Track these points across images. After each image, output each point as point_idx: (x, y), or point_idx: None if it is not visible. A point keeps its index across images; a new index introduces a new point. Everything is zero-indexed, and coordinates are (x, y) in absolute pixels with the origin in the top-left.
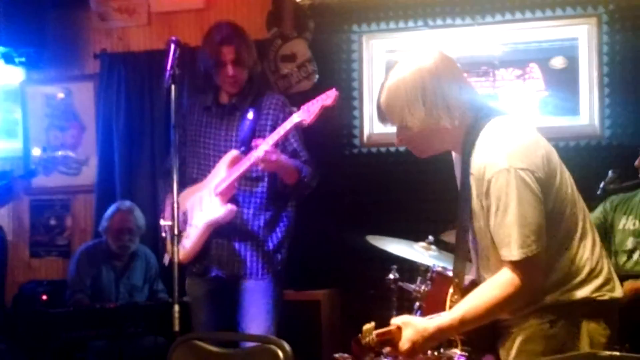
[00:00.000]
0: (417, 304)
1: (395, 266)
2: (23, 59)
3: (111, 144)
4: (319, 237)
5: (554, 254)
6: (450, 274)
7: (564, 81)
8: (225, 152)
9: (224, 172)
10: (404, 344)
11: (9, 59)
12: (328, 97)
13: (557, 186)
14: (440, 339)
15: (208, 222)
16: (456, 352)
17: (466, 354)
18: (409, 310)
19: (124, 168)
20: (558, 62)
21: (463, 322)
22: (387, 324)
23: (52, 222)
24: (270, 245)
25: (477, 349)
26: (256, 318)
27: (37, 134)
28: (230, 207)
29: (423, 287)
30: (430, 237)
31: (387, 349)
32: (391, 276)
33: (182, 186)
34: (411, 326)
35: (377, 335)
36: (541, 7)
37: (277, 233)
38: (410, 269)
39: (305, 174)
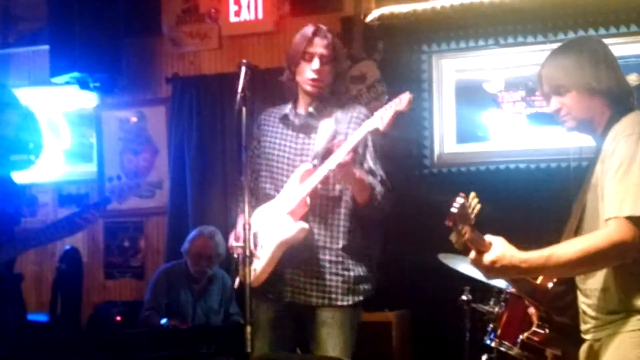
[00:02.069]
0: (491, 325)
1: (467, 287)
2: (97, 84)
3: (183, 167)
4: (390, 258)
5: None
6: None
7: (639, 98)
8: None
9: (295, 188)
10: (488, 257)
11: (84, 85)
12: (401, 102)
13: None
14: (525, 272)
15: (279, 242)
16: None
17: (543, 330)
18: (482, 333)
19: (196, 190)
20: (632, 79)
21: (550, 260)
22: (460, 347)
23: (126, 244)
24: (353, 272)
25: (555, 329)
26: (332, 351)
27: (111, 157)
28: (302, 225)
29: (497, 308)
30: None
31: (472, 254)
32: (464, 297)
33: (256, 203)
34: (503, 247)
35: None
36: (615, 24)
37: (361, 258)
38: (483, 290)
39: (377, 192)
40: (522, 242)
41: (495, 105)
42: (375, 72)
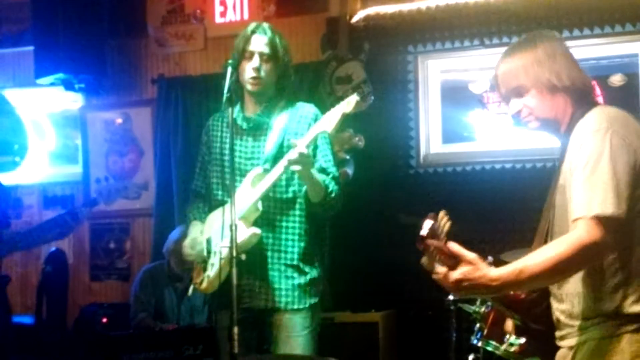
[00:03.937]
0: (477, 325)
1: None
2: (82, 85)
3: (169, 168)
4: (376, 258)
5: (627, 248)
6: None
7: (624, 98)
8: (251, 169)
9: (247, 193)
10: (456, 274)
11: (69, 86)
12: (348, 104)
13: None
14: (496, 290)
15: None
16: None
17: (520, 341)
18: (469, 332)
19: (182, 191)
20: (617, 79)
21: (522, 274)
22: (446, 347)
23: (112, 245)
24: (308, 275)
25: (533, 339)
26: (292, 353)
27: (97, 159)
28: (254, 230)
29: (483, 308)
30: (490, 258)
31: (440, 270)
32: (450, 297)
33: (209, 210)
34: (473, 265)
35: (446, 249)
36: (599, 24)
37: (314, 262)
38: None
39: (331, 190)
40: (508, 242)
41: (480, 106)
42: (361, 72)
